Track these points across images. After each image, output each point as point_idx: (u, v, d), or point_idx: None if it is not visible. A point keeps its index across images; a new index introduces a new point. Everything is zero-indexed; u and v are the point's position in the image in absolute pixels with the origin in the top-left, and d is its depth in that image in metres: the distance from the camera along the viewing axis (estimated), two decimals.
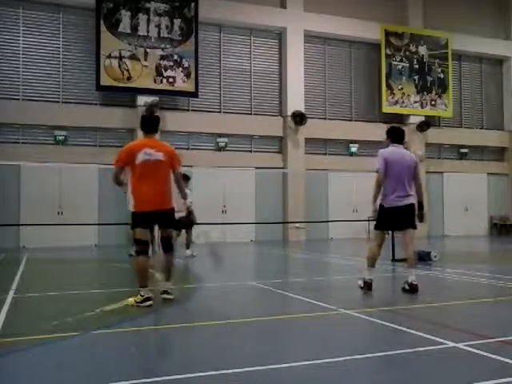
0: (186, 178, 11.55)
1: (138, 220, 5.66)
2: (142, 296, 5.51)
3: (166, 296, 5.72)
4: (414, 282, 6.27)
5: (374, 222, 6.61)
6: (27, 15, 16.29)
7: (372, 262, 6.49)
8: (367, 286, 6.41)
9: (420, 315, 5.05)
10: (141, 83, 16.76)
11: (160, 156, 5.66)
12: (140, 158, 5.58)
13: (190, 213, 6.14)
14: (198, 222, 12.10)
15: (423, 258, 9.94)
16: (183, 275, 9.19)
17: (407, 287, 6.32)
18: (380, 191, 6.42)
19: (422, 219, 6.60)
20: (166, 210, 5.72)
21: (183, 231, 11.63)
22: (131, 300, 5.58)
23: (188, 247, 11.81)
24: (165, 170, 5.72)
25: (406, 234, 6.48)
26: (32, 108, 15.96)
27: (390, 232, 10.10)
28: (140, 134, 19.29)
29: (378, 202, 6.48)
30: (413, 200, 6.46)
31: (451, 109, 21.45)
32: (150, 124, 5.95)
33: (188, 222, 11.43)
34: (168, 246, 5.85)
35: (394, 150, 6.47)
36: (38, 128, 16.24)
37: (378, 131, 19.72)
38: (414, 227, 6.49)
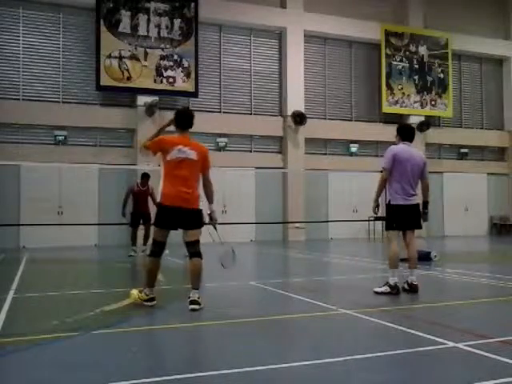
0: None
1: (161, 216, 5.41)
2: (147, 295, 5.48)
3: (193, 307, 5.23)
4: (414, 282, 6.26)
5: (385, 223, 6.53)
6: (27, 15, 16.29)
7: (395, 264, 6.30)
8: (396, 290, 6.18)
9: (420, 315, 5.05)
10: (141, 83, 16.76)
11: (193, 155, 5.43)
12: (173, 154, 5.36)
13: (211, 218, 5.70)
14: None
15: (423, 257, 9.93)
16: (183, 275, 9.20)
17: (407, 287, 6.32)
18: (383, 190, 6.38)
19: (426, 218, 6.59)
20: (191, 209, 5.40)
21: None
22: (135, 292, 5.56)
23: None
24: (196, 170, 5.47)
25: (408, 234, 6.45)
26: (32, 108, 15.95)
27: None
28: (140, 133, 19.27)
29: (382, 200, 6.45)
30: (418, 200, 6.43)
31: (451, 109, 21.45)
32: (187, 120, 5.65)
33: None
34: (194, 251, 5.42)
35: (404, 148, 6.41)
36: (38, 128, 16.24)
37: (378, 131, 19.83)
38: (420, 227, 6.48)
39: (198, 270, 5.41)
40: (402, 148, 6.40)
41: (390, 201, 6.40)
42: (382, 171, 6.43)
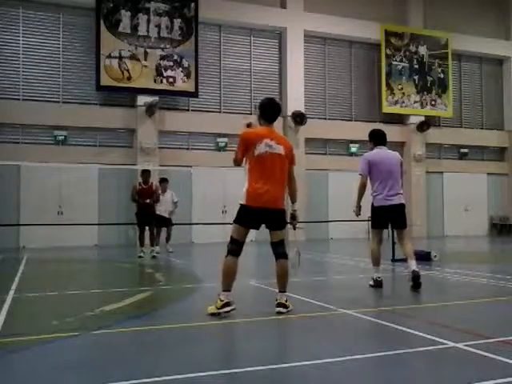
0: (165, 180, 12.81)
1: (244, 216, 5.03)
2: (222, 301, 4.89)
3: (280, 309, 4.99)
4: (415, 269, 6.35)
5: (370, 222, 6.87)
6: (27, 15, 16.30)
7: (376, 262, 6.71)
8: (378, 284, 6.62)
9: (420, 315, 5.05)
10: (141, 83, 16.77)
11: (281, 150, 5.07)
12: (260, 148, 4.98)
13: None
14: (198, 222, 12.52)
15: (423, 257, 9.94)
16: (182, 275, 9.19)
17: (411, 275, 6.40)
18: (363, 194, 6.70)
19: None
20: (277, 210, 5.12)
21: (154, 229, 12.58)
22: (211, 308, 4.96)
23: (167, 242, 12.93)
24: (284, 166, 5.12)
25: (398, 233, 6.78)
26: (32, 108, 15.96)
27: (390, 231, 10.23)
28: (140, 133, 19.24)
29: (369, 202, 6.76)
30: (402, 200, 6.68)
31: (451, 109, 21.45)
32: (274, 111, 5.21)
33: (168, 219, 12.78)
34: (280, 252, 5.17)
35: (377, 152, 6.74)
36: (38, 128, 16.25)
37: None
38: (404, 227, 6.70)
39: (285, 271, 5.16)
40: (374, 153, 6.74)
41: (372, 203, 6.72)
42: (360, 174, 6.70)
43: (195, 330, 4.50)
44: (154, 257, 11.42)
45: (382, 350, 3.73)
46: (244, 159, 5.10)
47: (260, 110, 5.25)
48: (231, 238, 5.08)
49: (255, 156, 5.00)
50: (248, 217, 5.04)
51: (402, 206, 6.63)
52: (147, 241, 11.93)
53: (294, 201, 5.44)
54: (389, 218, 6.65)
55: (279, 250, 5.18)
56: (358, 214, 6.75)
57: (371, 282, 6.72)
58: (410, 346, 3.82)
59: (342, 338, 4.21)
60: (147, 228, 11.90)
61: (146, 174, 11.91)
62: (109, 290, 7.09)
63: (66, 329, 4.50)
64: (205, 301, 5.41)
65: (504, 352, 3.58)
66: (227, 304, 4.89)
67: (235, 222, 5.09)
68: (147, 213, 11.73)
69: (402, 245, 6.70)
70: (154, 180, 12.68)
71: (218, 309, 4.89)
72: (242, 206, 5.07)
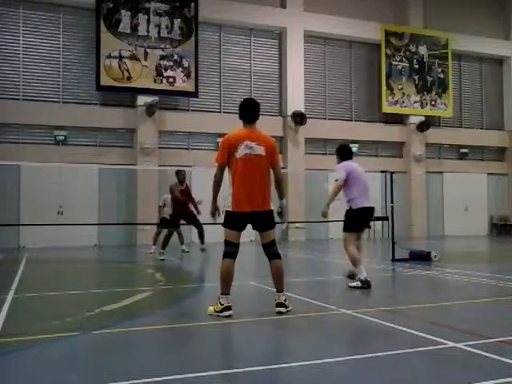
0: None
1: (234, 221, 5.08)
2: (222, 305, 4.91)
3: (280, 309, 5.01)
4: (367, 278, 6.60)
5: (345, 226, 6.99)
6: (27, 15, 16.30)
7: (358, 262, 6.78)
8: (366, 284, 6.62)
9: (420, 315, 5.05)
10: (141, 83, 16.76)
11: (261, 150, 5.06)
12: (241, 151, 5.01)
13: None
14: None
15: (423, 258, 9.95)
16: (182, 275, 9.20)
17: (360, 284, 6.60)
18: (335, 198, 6.88)
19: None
20: (265, 212, 5.09)
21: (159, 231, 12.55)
22: (211, 309, 4.98)
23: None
24: (266, 167, 5.11)
25: (361, 235, 7.10)
26: (32, 108, 15.96)
27: (391, 233, 10.34)
28: (140, 133, 19.20)
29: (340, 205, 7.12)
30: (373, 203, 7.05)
31: (451, 109, 21.45)
32: (252, 111, 5.25)
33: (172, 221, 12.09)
34: (273, 252, 5.14)
35: (350, 163, 7.02)
36: (38, 128, 16.25)
37: (378, 131, 19.86)
38: (370, 226, 7.25)
39: (280, 271, 5.16)
40: (349, 163, 7.01)
41: (351, 206, 6.88)
42: (336, 180, 6.94)
43: (195, 330, 4.50)
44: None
45: (382, 350, 3.73)
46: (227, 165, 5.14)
47: (239, 111, 5.33)
48: (225, 240, 5.10)
49: (237, 159, 5.03)
50: (236, 221, 5.09)
51: (374, 209, 7.00)
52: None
53: (280, 197, 5.34)
54: (365, 219, 6.90)
55: (271, 250, 5.15)
56: (327, 216, 6.96)
57: (356, 284, 6.65)
58: (410, 346, 3.82)
59: (342, 338, 4.21)
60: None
61: (183, 173, 11.27)
62: (109, 289, 7.10)
63: (66, 329, 4.50)
64: (205, 301, 5.41)
65: (504, 352, 3.58)
66: (227, 308, 4.90)
67: (225, 226, 5.14)
68: (189, 214, 11.33)
69: (361, 246, 7.06)
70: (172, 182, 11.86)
71: (218, 312, 4.90)
72: (228, 212, 5.12)
